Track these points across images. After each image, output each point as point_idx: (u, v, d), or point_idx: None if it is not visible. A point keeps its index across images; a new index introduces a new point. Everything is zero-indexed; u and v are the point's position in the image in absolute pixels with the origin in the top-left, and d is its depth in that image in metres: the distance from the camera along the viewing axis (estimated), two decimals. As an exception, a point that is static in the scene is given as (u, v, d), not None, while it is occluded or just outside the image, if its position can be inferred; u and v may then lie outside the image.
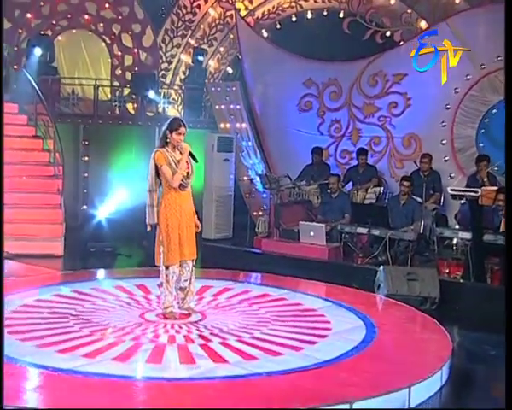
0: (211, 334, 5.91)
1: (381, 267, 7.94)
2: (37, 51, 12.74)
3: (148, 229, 6.29)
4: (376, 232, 8.81)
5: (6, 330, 5.79)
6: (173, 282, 6.29)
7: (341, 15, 12.22)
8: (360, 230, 9.03)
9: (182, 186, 6.15)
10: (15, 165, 10.91)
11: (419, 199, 9.29)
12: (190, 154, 6.19)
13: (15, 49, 13.71)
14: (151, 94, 12.60)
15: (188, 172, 6.16)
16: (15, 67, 13.42)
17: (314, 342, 5.79)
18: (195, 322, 6.24)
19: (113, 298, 7.10)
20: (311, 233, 9.33)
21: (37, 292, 7.25)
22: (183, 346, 5.58)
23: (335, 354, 5.41)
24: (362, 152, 10.78)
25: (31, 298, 6.97)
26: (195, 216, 6.39)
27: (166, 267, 6.22)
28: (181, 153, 6.13)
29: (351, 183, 10.82)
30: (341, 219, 9.65)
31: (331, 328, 6.23)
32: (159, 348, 5.49)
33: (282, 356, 5.41)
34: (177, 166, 6.08)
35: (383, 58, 11.19)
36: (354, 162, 11.11)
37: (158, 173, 6.20)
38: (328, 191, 10.01)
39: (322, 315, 6.67)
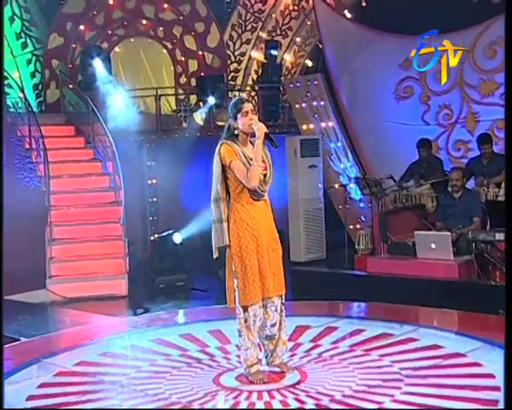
0: (317, 405, 3.96)
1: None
2: (94, 66, 11.36)
3: (215, 255, 4.45)
4: (524, 237, 6.60)
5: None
6: (256, 328, 4.42)
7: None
8: (500, 236, 6.84)
9: (257, 194, 4.38)
10: (73, 193, 9.50)
11: None
12: (267, 137, 4.43)
13: (70, 66, 12.34)
14: (210, 100, 11.02)
15: (265, 175, 4.39)
16: (70, 86, 12.04)
17: (482, 414, 3.73)
18: (292, 386, 4.35)
19: (178, 353, 5.27)
20: (433, 245, 7.30)
21: (80, 352, 5.46)
22: (278, 432, 3.65)
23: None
24: (485, 139, 8.57)
25: (71, 362, 5.18)
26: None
27: (244, 309, 4.37)
28: (253, 144, 4.45)
29: (472, 179, 8.63)
30: (469, 224, 7.51)
31: (499, 386, 4.11)
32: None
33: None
34: (250, 165, 4.35)
35: (502, 22, 8.94)
36: (472, 155, 8.96)
37: (226, 176, 4.42)
38: (449, 190, 7.89)
39: (478, 364, 4.58)
